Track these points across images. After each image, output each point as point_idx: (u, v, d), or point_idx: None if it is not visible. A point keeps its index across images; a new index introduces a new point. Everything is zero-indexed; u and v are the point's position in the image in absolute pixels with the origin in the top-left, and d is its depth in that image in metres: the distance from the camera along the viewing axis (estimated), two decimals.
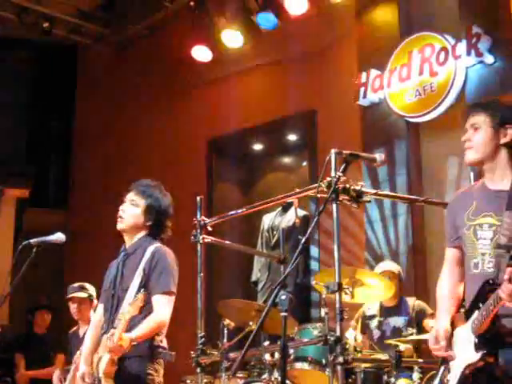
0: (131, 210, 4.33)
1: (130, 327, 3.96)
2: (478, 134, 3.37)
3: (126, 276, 4.23)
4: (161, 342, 4.16)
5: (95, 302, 6.17)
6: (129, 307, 3.94)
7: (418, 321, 5.75)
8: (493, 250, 3.18)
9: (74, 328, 6.51)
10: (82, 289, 6.36)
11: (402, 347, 4.81)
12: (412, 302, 5.95)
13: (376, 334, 5.89)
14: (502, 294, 2.94)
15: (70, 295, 6.36)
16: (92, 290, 6.37)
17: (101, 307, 4.41)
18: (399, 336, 5.47)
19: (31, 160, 10.96)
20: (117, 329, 3.91)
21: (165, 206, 4.37)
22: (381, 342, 5.68)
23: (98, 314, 4.45)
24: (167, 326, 4.20)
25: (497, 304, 2.99)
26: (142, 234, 4.34)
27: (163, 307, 4.11)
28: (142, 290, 4.02)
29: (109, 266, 4.49)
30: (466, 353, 3.13)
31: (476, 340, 3.09)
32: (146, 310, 4.04)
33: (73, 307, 6.34)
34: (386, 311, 5.94)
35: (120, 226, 4.34)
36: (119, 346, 3.87)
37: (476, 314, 3.12)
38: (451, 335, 3.25)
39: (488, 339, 3.07)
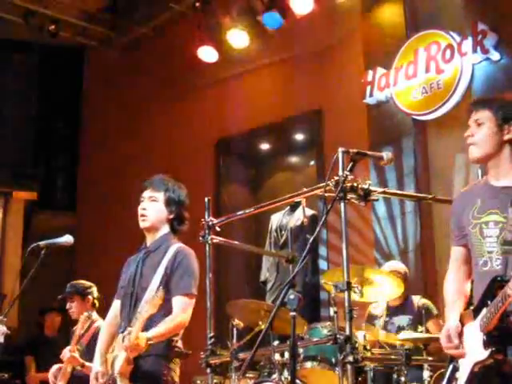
0: (153, 206, 4.28)
1: (147, 325, 3.91)
2: (481, 129, 3.34)
3: (145, 274, 4.17)
4: (177, 342, 4.14)
5: (89, 297, 6.07)
6: (147, 305, 3.88)
7: (421, 319, 5.63)
8: (500, 247, 3.17)
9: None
10: (70, 287, 6.26)
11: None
12: (417, 300, 5.88)
13: (381, 334, 5.84)
14: (510, 290, 2.94)
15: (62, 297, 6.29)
16: (82, 284, 6.24)
17: (117, 304, 4.34)
18: None
19: (39, 163, 11.00)
20: (134, 327, 3.87)
21: (183, 196, 4.35)
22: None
23: (112, 312, 4.38)
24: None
25: (505, 301, 2.99)
26: (165, 229, 4.30)
27: (183, 309, 4.06)
28: (161, 287, 3.97)
29: (127, 261, 4.43)
30: (474, 350, 3.12)
31: (484, 337, 3.08)
32: (165, 309, 3.99)
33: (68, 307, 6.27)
34: (392, 311, 5.87)
35: (144, 224, 4.28)
36: (136, 345, 3.83)
37: (484, 311, 3.11)
38: (461, 333, 3.25)
39: (496, 336, 3.06)
